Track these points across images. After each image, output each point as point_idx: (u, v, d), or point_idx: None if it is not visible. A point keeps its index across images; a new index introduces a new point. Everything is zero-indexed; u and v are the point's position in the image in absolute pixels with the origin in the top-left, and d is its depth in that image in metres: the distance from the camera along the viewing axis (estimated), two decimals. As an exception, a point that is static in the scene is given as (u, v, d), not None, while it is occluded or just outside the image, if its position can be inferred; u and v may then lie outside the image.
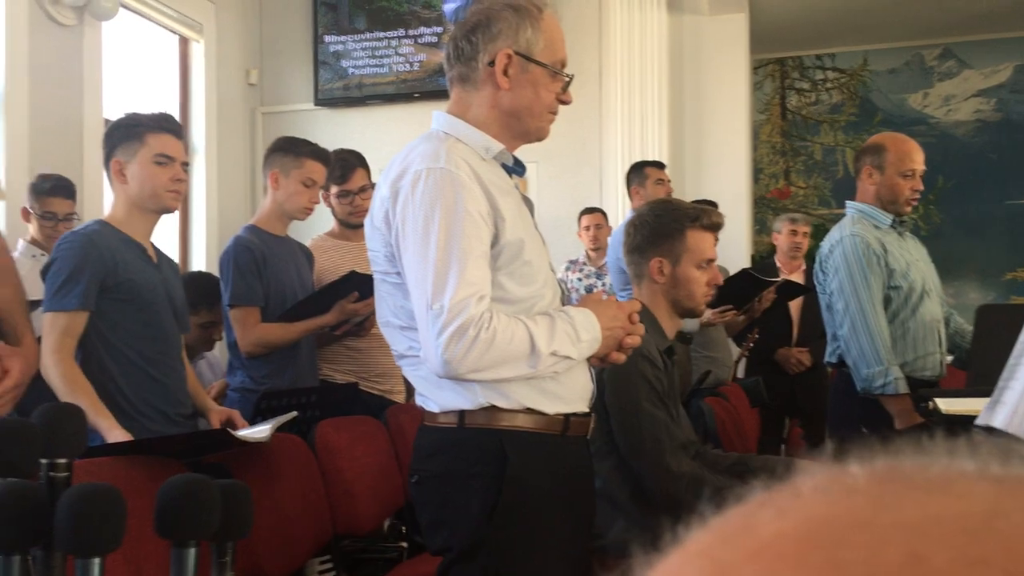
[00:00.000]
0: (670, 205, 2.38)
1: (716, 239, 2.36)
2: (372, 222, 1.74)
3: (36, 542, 1.06)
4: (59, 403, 1.18)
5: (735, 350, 4.74)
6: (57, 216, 3.73)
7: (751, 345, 4.59)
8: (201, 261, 5.93)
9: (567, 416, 1.72)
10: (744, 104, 6.22)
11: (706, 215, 2.30)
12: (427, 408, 1.74)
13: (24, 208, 3.79)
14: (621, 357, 1.77)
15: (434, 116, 1.81)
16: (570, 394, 1.73)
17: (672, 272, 2.27)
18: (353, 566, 2.63)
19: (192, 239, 6.05)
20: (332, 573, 2.59)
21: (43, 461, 1.14)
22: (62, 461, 1.16)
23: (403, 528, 3.05)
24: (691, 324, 3.63)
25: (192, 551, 1.05)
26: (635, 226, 2.34)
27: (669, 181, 4.51)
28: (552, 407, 1.69)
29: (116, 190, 2.55)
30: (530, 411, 1.67)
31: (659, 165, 4.59)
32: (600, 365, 1.82)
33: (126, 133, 2.50)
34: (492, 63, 1.72)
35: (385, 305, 1.77)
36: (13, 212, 3.93)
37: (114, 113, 5.12)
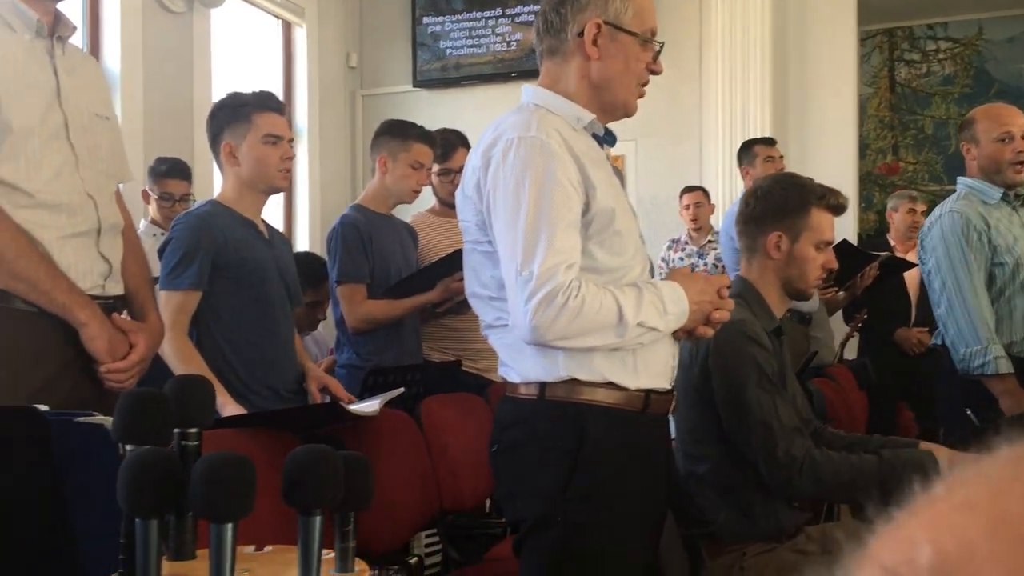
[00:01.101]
0: (797, 180, 2.32)
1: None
2: (463, 192, 1.75)
3: (171, 508, 1.09)
4: (190, 375, 1.22)
5: (839, 330, 4.61)
6: (174, 197, 3.89)
7: (859, 325, 4.46)
8: (304, 241, 6.07)
9: (648, 392, 1.71)
10: (851, 76, 6.01)
11: (833, 195, 2.23)
12: (509, 378, 1.75)
13: (144, 190, 3.97)
14: (708, 332, 1.76)
15: (524, 90, 1.82)
16: (652, 369, 1.71)
17: (789, 249, 2.21)
18: (458, 541, 2.66)
19: (296, 220, 6.20)
20: (438, 547, 2.63)
21: (175, 431, 1.18)
22: (192, 431, 1.20)
23: (506, 505, 3.08)
24: (810, 304, 3.54)
25: (317, 520, 1.07)
26: (756, 196, 2.27)
27: (781, 157, 4.38)
28: (634, 382, 1.68)
29: (226, 171, 2.60)
30: (611, 385, 1.67)
31: (769, 141, 4.46)
32: (687, 340, 1.80)
33: (232, 114, 2.56)
34: (581, 34, 1.72)
35: (475, 276, 1.77)
36: (131, 193, 4.09)
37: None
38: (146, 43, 4.83)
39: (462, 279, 2.99)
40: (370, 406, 2.19)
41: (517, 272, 1.58)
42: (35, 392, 1.76)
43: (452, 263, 3.01)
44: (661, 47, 1.79)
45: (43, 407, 1.27)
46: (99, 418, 1.30)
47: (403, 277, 3.11)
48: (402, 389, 2.52)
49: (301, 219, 6.21)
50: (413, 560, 2.41)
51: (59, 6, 1.97)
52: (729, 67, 5.73)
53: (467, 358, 3.27)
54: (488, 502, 3.05)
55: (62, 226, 1.86)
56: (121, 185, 2.13)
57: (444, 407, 2.71)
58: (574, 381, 1.66)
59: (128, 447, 1.13)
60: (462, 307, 3.18)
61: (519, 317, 1.59)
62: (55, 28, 1.93)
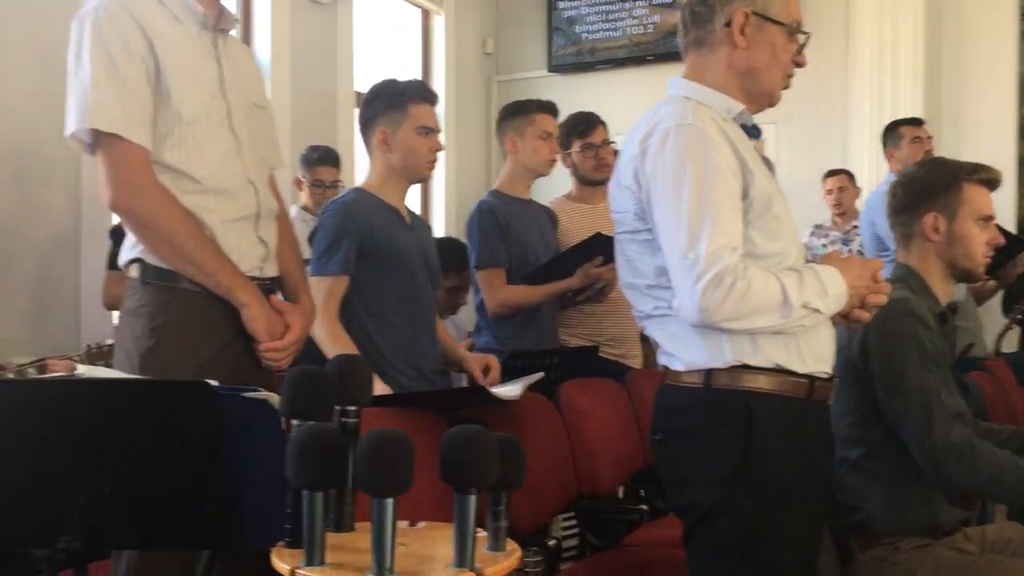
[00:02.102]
0: (940, 160, 2.26)
1: None
2: (619, 182, 1.78)
3: (334, 481, 1.14)
4: (350, 355, 1.26)
5: (990, 322, 4.36)
6: (325, 184, 4.05)
7: (1019, 317, 4.22)
8: (440, 227, 6.18)
9: (812, 379, 1.72)
10: (1012, 54, 5.65)
11: (983, 168, 2.15)
12: (671, 367, 1.76)
13: (296, 178, 4.14)
14: (865, 315, 1.75)
15: (670, 83, 1.85)
16: (817, 353, 1.73)
17: (948, 228, 2.13)
18: (595, 526, 2.66)
19: (432, 205, 6.31)
20: (575, 531, 2.64)
21: (336, 408, 1.23)
22: (352, 408, 1.25)
23: (641, 491, 3.06)
24: (955, 293, 3.37)
25: (473, 498, 1.09)
26: (902, 185, 2.21)
27: (930, 138, 4.19)
28: (801, 366, 1.70)
29: (375, 157, 2.67)
30: (777, 371, 1.68)
31: (916, 122, 4.27)
32: (845, 324, 1.80)
33: (389, 102, 2.62)
34: (728, 24, 1.75)
35: (630, 266, 1.80)
36: (280, 179, 4.27)
37: (364, 85, 5.43)
38: (294, 34, 5.00)
39: (601, 265, 3.03)
40: (512, 390, 2.22)
41: (683, 255, 1.60)
42: (199, 368, 1.86)
43: (592, 248, 3.01)
44: (807, 38, 1.80)
45: (212, 381, 1.34)
46: (264, 393, 1.36)
47: (542, 262, 3.13)
48: (542, 374, 2.53)
49: (437, 204, 6.33)
50: (551, 543, 2.42)
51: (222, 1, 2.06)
52: (878, 46, 5.50)
53: (604, 343, 3.26)
54: (622, 489, 3.04)
55: (225, 211, 1.94)
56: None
57: (582, 392, 2.72)
58: (741, 368, 1.67)
59: (294, 422, 1.19)
60: (600, 294, 3.18)
61: (686, 299, 1.60)
62: (219, 21, 2.01)
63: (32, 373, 2.59)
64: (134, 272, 1.93)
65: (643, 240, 1.73)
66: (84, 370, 1.77)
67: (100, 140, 1.84)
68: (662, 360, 1.80)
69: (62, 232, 3.72)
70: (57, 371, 2.61)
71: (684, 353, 1.72)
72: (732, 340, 1.66)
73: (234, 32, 2.11)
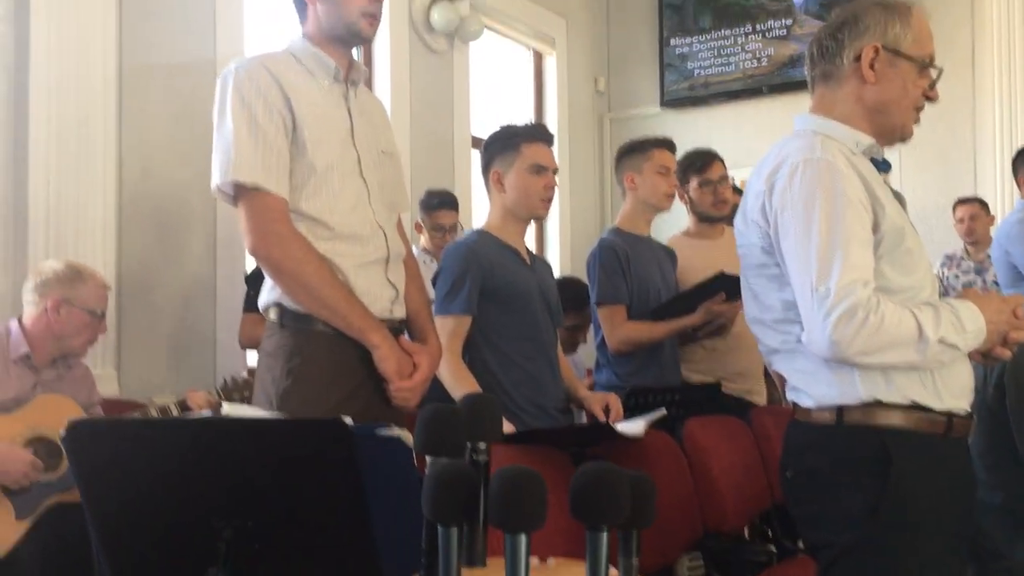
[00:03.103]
0: None
1: None
2: (745, 217, 1.77)
3: (468, 517, 1.16)
4: (480, 393, 1.29)
5: None
6: (444, 227, 4.16)
7: None
8: (556, 264, 6.21)
9: (950, 416, 1.67)
10: None
11: None
12: (800, 403, 1.74)
13: (417, 222, 4.27)
14: (1007, 353, 1.70)
15: (796, 119, 1.83)
16: (953, 390, 1.68)
17: None
18: (722, 566, 2.61)
19: (547, 243, 6.36)
20: (702, 571, 2.60)
21: (467, 444, 1.25)
22: (482, 445, 1.27)
23: (769, 531, 2.99)
24: None
25: (605, 535, 1.09)
26: None
27: (1063, 164, 4.00)
28: (938, 403, 1.66)
29: (493, 199, 2.73)
30: (913, 408, 1.64)
31: (1048, 147, 4.08)
32: (983, 362, 1.75)
33: (503, 144, 2.68)
34: (858, 58, 1.73)
35: (756, 301, 1.79)
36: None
37: (479, 128, 5.55)
38: (412, 82, 5.16)
39: (724, 301, 3.00)
40: (635, 427, 2.21)
41: (813, 289, 1.59)
42: (334, 407, 1.92)
43: (713, 285, 2.98)
44: (939, 74, 1.77)
45: (348, 420, 1.39)
46: (397, 431, 1.40)
47: (663, 299, 3.12)
48: (664, 410, 2.52)
49: (552, 242, 6.37)
50: (678, 582, 2.39)
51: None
52: (1006, 72, 5.30)
53: (727, 380, 3.22)
54: (747, 528, 2.97)
55: (357, 255, 2.02)
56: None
57: (706, 429, 2.69)
58: (874, 404, 1.64)
59: (428, 458, 1.22)
60: (722, 330, 3.14)
61: (817, 333, 1.59)
62: (349, 73, 2.11)
63: (174, 411, 2.72)
64: (272, 315, 2.02)
65: (770, 275, 1.72)
66: (229, 408, 1.85)
67: (242, 192, 1.94)
68: (790, 396, 1.77)
69: (200, 277, 3.91)
70: (199, 407, 2.74)
71: (814, 388, 1.69)
72: (864, 375, 1.63)
73: (363, 83, 2.20)
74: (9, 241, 3.25)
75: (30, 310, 2.65)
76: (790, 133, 1.80)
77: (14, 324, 2.66)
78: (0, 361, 2.57)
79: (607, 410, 2.59)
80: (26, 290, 2.67)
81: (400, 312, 2.12)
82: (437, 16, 5.24)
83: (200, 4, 3.96)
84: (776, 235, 1.67)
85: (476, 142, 5.34)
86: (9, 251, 3.25)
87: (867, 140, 1.75)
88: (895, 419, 1.64)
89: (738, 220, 1.81)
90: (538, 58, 6.50)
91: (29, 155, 3.24)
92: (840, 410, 1.66)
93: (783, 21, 6.20)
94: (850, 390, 1.65)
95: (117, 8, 3.57)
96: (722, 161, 3.43)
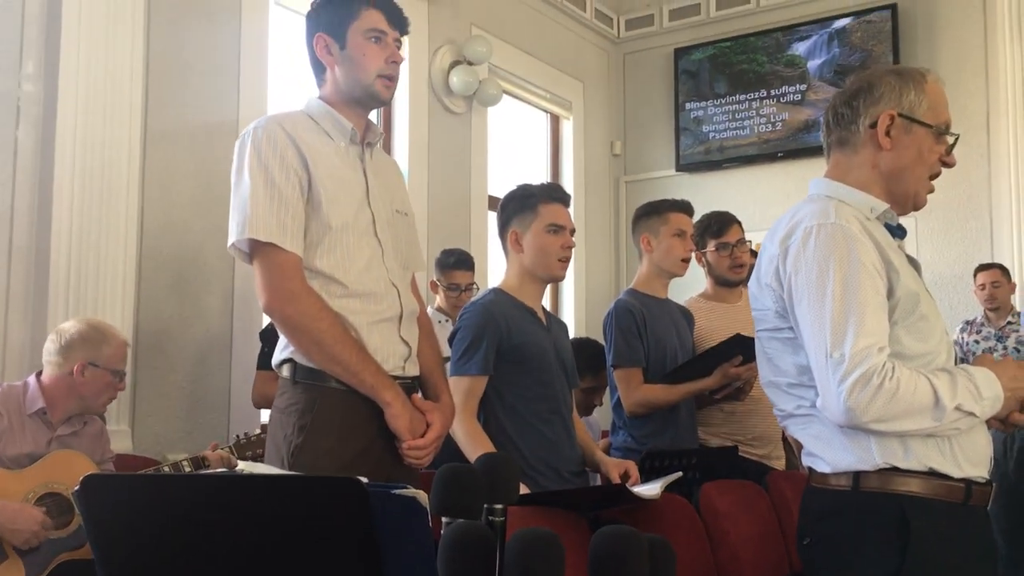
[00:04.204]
0: None
1: None
2: (759, 281, 1.77)
3: (483, 580, 1.14)
4: (497, 454, 1.28)
5: None
6: (460, 287, 4.16)
7: None
8: (571, 325, 6.21)
9: (968, 483, 1.65)
10: None
11: None
12: (816, 468, 1.72)
13: (432, 281, 4.28)
14: None
15: (812, 183, 1.84)
16: (971, 457, 1.66)
17: None
18: (741, 635, 2.56)
19: (563, 305, 6.37)
20: (720, 641, 2.54)
21: (484, 506, 1.24)
22: (499, 507, 1.26)
23: (787, 600, 2.93)
24: None
25: (623, 600, 1.07)
26: None
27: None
28: (956, 470, 1.63)
29: (511, 259, 2.74)
30: (930, 474, 1.62)
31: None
32: (1002, 428, 1.71)
33: (521, 204, 2.69)
34: (874, 125, 1.74)
35: (770, 365, 1.78)
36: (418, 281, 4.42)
37: (497, 188, 5.60)
38: (431, 142, 5.23)
39: (740, 364, 2.98)
40: (651, 489, 2.18)
41: (827, 355, 1.58)
42: (345, 465, 1.92)
43: (730, 348, 2.97)
44: (956, 140, 1.77)
45: (362, 478, 1.38)
46: (412, 491, 1.38)
47: (680, 361, 3.10)
48: (680, 473, 2.49)
49: (567, 304, 6.38)
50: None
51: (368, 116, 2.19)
52: (1021, 137, 5.32)
53: (744, 443, 3.19)
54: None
55: (370, 312, 2.03)
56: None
57: (723, 494, 2.65)
58: (891, 470, 1.63)
59: (444, 519, 1.21)
60: (739, 393, 3.12)
61: (832, 400, 1.57)
62: (365, 135, 2.14)
63: (187, 468, 2.71)
64: (286, 372, 2.02)
65: (784, 338, 1.72)
66: (244, 466, 1.84)
67: (257, 249, 1.96)
68: (806, 461, 1.76)
69: (216, 334, 3.92)
70: (214, 465, 2.73)
71: (829, 454, 1.68)
72: (881, 442, 1.61)
73: (379, 144, 2.23)
74: (30, 294, 3.28)
75: (53, 370, 2.66)
76: (805, 197, 1.80)
77: (32, 379, 2.66)
78: (16, 416, 2.57)
79: (624, 476, 2.56)
80: (49, 351, 2.68)
81: (413, 370, 2.12)
82: (456, 79, 5.32)
83: (225, 67, 4.05)
84: (790, 299, 1.67)
85: (493, 202, 5.38)
86: (30, 304, 3.28)
87: (882, 206, 1.75)
88: (913, 486, 1.61)
89: (752, 284, 1.81)
90: (555, 121, 6.58)
91: (52, 209, 3.29)
92: (857, 476, 1.64)
93: (797, 87, 6.27)
94: (866, 456, 1.63)
95: (144, 69, 3.64)
96: (740, 224, 3.44)
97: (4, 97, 3.29)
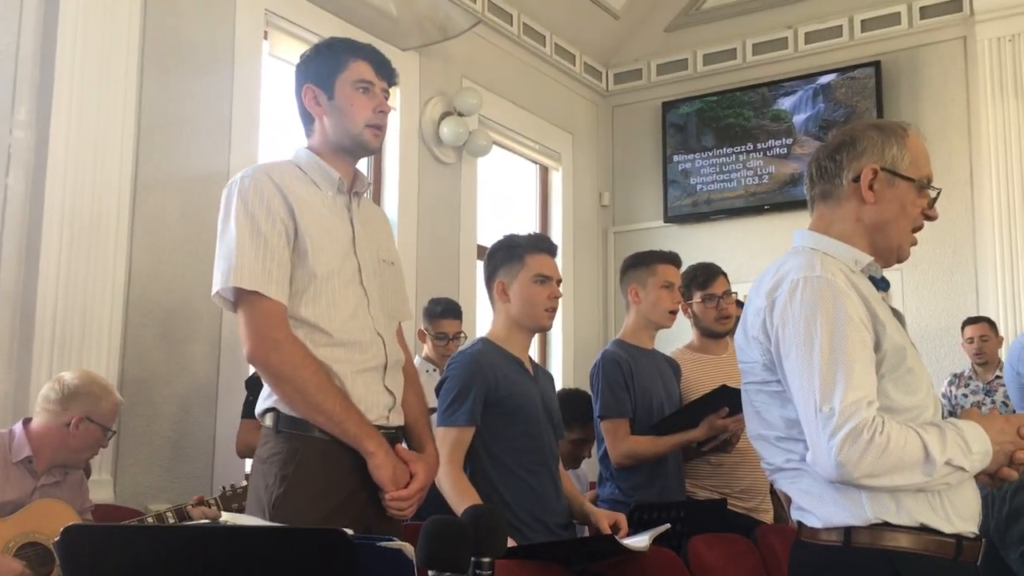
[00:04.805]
0: None
1: None
2: (746, 333, 1.77)
3: (471, 636, 1.13)
4: (485, 506, 1.27)
5: None
6: (447, 336, 4.16)
7: None
8: (559, 376, 6.20)
9: (959, 538, 1.63)
10: None
11: None
12: (807, 523, 1.70)
13: (420, 329, 4.27)
14: (1013, 474, 1.67)
15: (796, 235, 1.85)
16: (963, 512, 1.65)
17: None
18: None
19: (551, 355, 6.36)
20: None
21: (471, 559, 1.22)
22: (486, 560, 1.24)
23: (777, 657, 2.89)
24: None
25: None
26: None
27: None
28: (948, 526, 1.62)
29: (497, 308, 2.74)
30: (921, 530, 1.61)
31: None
32: (989, 483, 1.70)
33: (507, 254, 2.70)
34: (857, 179, 1.76)
35: (758, 418, 1.77)
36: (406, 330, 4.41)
37: (485, 238, 5.63)
38: (420, 192, 5.27)
39: (727, 416, 2.97)
40: (640, 541, 2.16)
41: (816, 409, 1.57)
42: (326, 516, 1.89)
43: (716, 399, 2.96)
44: (938, 194, 1.79)
45: (348, 531, 1.36)
46: (398, 543, 1.37)
47: (666, 412, 3.09)
48: (668, 525, 2.46)
49: (555, 354, 6.37)
50: None
51: (357, 165, 2.20)
52: (1006, 188, 5.39)
53: (734, 496, 3.16)
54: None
55: (355, 361, 2.02)
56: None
57: (711, 547, 2.63)
58: (883, 525, 1.61)
59: (430, 573, 1.19)
60: (726, 445, 3.11)
61: (822, 454, 1.57)
62: (353, 185, 2.15)
63: (171, 519, 2.68)
64: (268, 421, 2.01)
65: (772, 391, 1.71)
66: (228, 517, 1.82)
67: (242, 297, 1.96)
68: (795, 515, 1.74)
69: (202, 383, 3.90)
70: (198, 517, 2.69)
71: (819, 509, 1.66)
72: (872, 497, 1.60)
73: (367, 194, 2.24)
74: (15, 339, 3.26)
75: (46, 418, 2.63)
76: (789, 249, 1.81)
77: (18, 427, 2.64)
78: (1, 463, 2.54)
79: (615, 527, 2.53)
80: (47, 399, 2.66)
81: (397, 420, 2.10)
82: (447, 130, 5.37)
83: (217, 117, 4.08)
84: (777, 352, 1.67)
85: (482, 252, 5.40)
86: (15, 349, 3.26)
87: (866, 258, 1.76)
88: (904, 541, 1.60)
89: (738, 336, 1.81)
90: (544, 172, 6.63)
91: (40, 255, 3.29)
92: (848, 531, 1.62)
93: (783, 140, 6.35)
94: (857, 511, 1.62)
95: (136, 117, 3.67)
96: (725, 276, 3.44)
97: (-5, 143, 3.30)
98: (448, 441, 2.47)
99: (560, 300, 2.72)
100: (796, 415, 1.64)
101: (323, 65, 2.11)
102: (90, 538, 1.45)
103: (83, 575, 1.38)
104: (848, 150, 1.78)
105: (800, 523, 1.72)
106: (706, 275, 3.39)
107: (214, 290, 1.99)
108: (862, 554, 1.61)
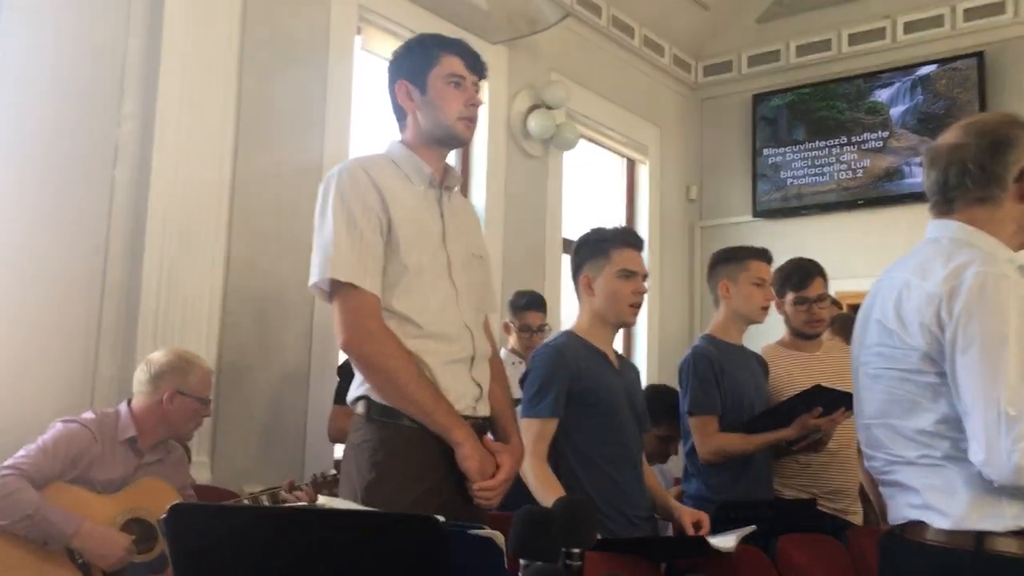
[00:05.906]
0: None
1: None
2: (903, 319, 1.69)
3: (560, 624, 1.14)
4: (577, 497, 1.28)
5: None
6: (532, 328, 4.19)
7: None
8: (644, 371, 6.16)
9: None
10: None
11: None
12: (932, 523, 1.63)
13: (505, 322, 4.31)
14: None
15: (936, 226, 1.79)
16: None
17: None
18: None
19: (636, 350, 6.33)
20: None
21: (562, 549, 1.24)
22: (577, 551, 1.25)
23: (866, 662, 2.83)
24: None
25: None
26: None
27: None
28: None
29: (583, 302, 2.74)
30: None
31: None
32: None
33: (593, 249, 2.70)
34: (1017, 179, 1.72)
35: (896, 405, 1.69)
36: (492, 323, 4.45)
37: (571, 232, 5.63)
38: (508, 184, 5.29)
39: (820, 416, 2.91)
40: (727, 541, 2.15)
41: (1000, 410, 1.52)
42: (414, 502, 1.93)
43: (810, 399, 2.91)
44: None
45: (440, 517, 1.39)
46: (489, 531, 1.39)
47: (756, 410, 3.05)
48: (754, 527, 2.43)
49: (640, 349, 6.34)
50: None
51: (447, 159, 2.24)
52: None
53: (823, 497, 3.11)
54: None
55: (443, 353, 2.05)
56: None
57: (800, 548, 2.59)
58: (1021, 533, 1.55)
59: (521, 561, 1.21)
60: (818, 445, 3.05)
61: (999, 456, 1.52)
62: (444, 179, 2.19)
63: (265, 501, 2.76)
64: (360, 409, 2.05)
65: (925, 383, 1.65)
66: (324, 500, 1.87)
67: (337, 288, 2.01)
68: (912, 514, 1.66)
69: (294, 369, 4.00)
70: (291, 500, 2.77)
71: (953, 509, 1.60)
72: (1014, 502, 1.55)
73: (457, 188, 2.27)
74: (120, 326, 3.40)
75: (143, 399, 2.75)
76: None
77: (123, 407, 2.75)
78: (109, 443, 2.66)
79: (697, 526, 2.51)
80: (139, 380, 2.78)
81: (484, 410, 2.13)
82: (534, 124, 5.39)
83: (311, 111, 4.17)
84: (953, 345, 1.59)
85: (567, 245, 5.41)
86: (120, 336, 3.39)
87: (1021, 258, 1.70)
88: None
89: (883, 318, 1.72)
90: (631, 166, 6.59)
91: (145, 245, 3.41)
92: (980, 536, 1.56)
93: (879, 133, 6.18)
94: (998, 517, 1.56)
95: (236, 112, 3.78)
96: (823, 278, 3.32)
97: (103, 136, 3.44)
98: (532, 433, 2.48)
99: (646, 295, 2.70)
100: (950, 411, 1.59)
101: (415, 61, 2.15)
102: (195, 516, 1.51)
103: (188, 550, 1.44)
104: (1009, 150, 1.73)
105: (918, 522, 1.65)
106: (801, 276, 3.30)
107: (311, 281, 2.05)
108: (997, 562, 1.55)
